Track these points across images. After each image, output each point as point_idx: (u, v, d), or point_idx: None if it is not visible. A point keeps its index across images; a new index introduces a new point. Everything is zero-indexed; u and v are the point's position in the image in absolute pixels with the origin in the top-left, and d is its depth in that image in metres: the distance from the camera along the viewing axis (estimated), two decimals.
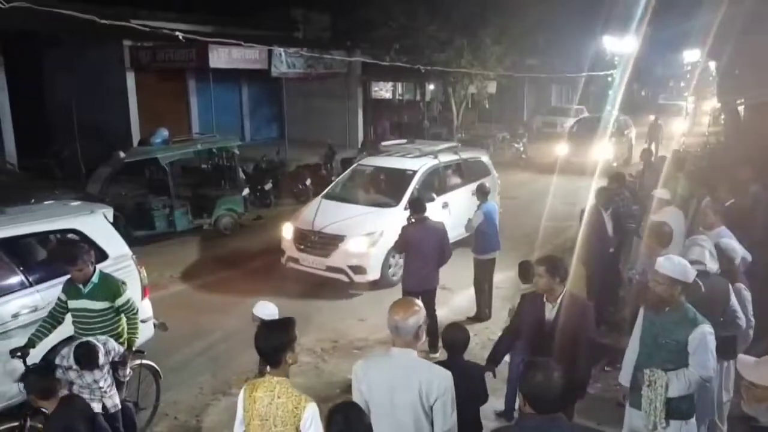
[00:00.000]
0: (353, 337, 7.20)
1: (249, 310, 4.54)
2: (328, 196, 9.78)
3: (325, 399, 5.07)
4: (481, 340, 6.84)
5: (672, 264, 3.70)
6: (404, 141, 12.38)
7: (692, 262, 4.12)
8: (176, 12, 17.88)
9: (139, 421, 5.07)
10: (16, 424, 4.33)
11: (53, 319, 4.80)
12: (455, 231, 8.09)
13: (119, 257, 5.87)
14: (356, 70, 20.92)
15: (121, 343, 4.73)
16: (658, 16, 19.71)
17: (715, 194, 6.78)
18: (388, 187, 9.78)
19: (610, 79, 22.96)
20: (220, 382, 6.16)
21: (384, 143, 12.79)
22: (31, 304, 5.25)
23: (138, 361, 5.11)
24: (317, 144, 17.65)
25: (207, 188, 12.20)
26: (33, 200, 7.29)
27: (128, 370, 4.80)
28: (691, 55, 34.90)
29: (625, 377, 4.05)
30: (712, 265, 4.35)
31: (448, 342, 3.91)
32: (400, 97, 25.85)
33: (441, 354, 5.22)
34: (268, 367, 3.11)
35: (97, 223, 5.91)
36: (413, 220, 6.73)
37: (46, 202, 6.86)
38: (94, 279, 4.72)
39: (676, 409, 3.70)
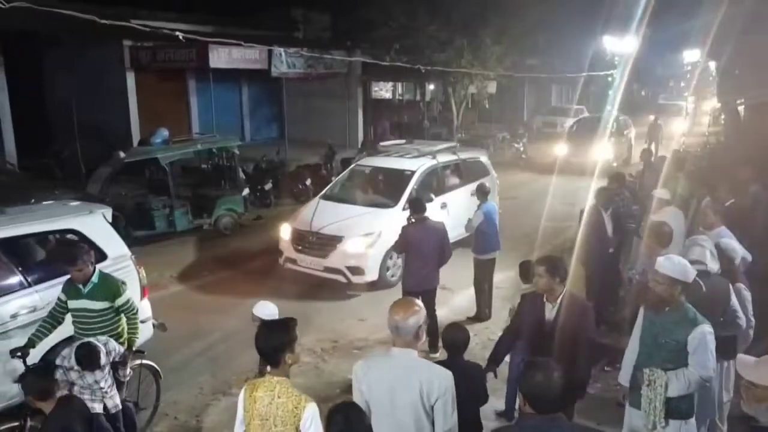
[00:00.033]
0: (353, 337, 7.20)
1: (249, 311, 4.54)
2: (326, 197, 9.76)
3: (325, 399, 5.07)
4: (481, 340, 6.84)
5: (672, 264, 3.70)
6: (403, 141, 12.37)
7: (693, 262, 4.12)
8: (176, 12, 17.88)
9: (139, 421, 5.07)
10: (16, 424, 4.33)
11: (53, 319, 4.80)
12: (454, 231, 8.08)
13: (118, 257, 5.86)
14: (356, 70, 20.93)
15: (121, 343, 4.74)
16: (658, 16, 19.74)
17: (715, 194, 6.78)
18: (386, 187, 9.75)
19: (610, 79, 22.99)
20: (220, 382, 6.16)
21: (382, 143, 12.79)
22: (30, 305, 5.25)
23: (138, 361, 5.11)
24: (317, 144, 17.66)
25: (207, 188, 12.20)
26: (33, 200, 7.29)
27: (128, 370, 4.81)
28: (691, 55, 34.92)
29: (624, 377, 4.05)
30: (713, 265, 4.35)
31: (448, 342, 3.91)
32: (400, 97, 25.85)
33: (441, 354, 5.22)
34: (268, 367, 3.11)
35: (96, 224, 5.90)
36: (413, 220, 6.72)
37: (45, 203, 6.85)
38: (94, 279, 4.72)
39: (675, 408, 3.70)
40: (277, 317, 4.20)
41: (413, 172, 9.42)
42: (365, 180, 10.19)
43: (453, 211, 9.35)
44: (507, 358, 4.69)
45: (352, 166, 11.14)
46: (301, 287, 8.56)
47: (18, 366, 4.57)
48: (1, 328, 5.04)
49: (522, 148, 20.94)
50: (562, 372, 2.63)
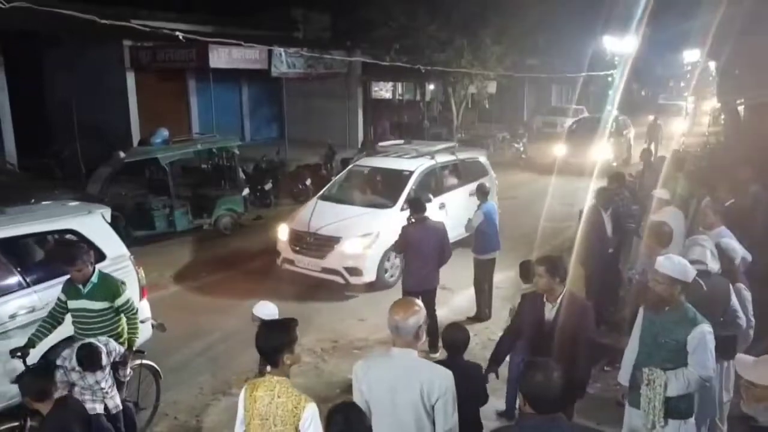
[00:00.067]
0: (353, 337, 7.20)
1: (249, 311, 4.54)
2: (324, 197, 9.72)
3: (325, 399, 5.08)
4: (481, 340, 6.84)
5: (672, 263, 3.70)
6: (401, 141, 12.35)
7: (693, 262, 4.13)
8: (176, 12, 17.88)
9: (139, 421, 5.07)
10: (16, 424, 4.33)
11: (53, 319, 4.80)
12: (453, 232, 8.04)
13: (117, 258, 5.86)
14: (356, 70, 20.93)
15: (121, 343, 4.74)
16: (658, 16, 19.74)
17: (715, 194, 6.78)
18: (384, 187, 9.72)
19: (610, 79, 22.98)
20: (220, 382, 6.16)
21: (381, 143, 12.77)
22: (29, 305, 5.25)
23: (138, 361, 5.11)
24: (317, 144, 17.66)
25: (207, 188, 12.20)
26: (33, 200, 7.29)
27: (128, 370, 4.81)
28: (691, 55, 34.88)
29: (624, 376, 4.05)
30: (714, 265, 4.35)
31: (448, 342, 3.91)
32: (400, 97, 25.86)
33: (441, 354, 5.22)
34: (268, 367, 3.11)
35: (95, 224, 5.90)
36: (413, 220, 6.71)
37: (43, 203, 6.85)
38: (94, 279, 4.72)
39: (674, 408, 3.71)
40: (277, 317, 4.20)
41: (411, 173, 9.40)
42: (363, 180, 10.15)
43: (451, 212, 9.34)
44: (507, 358, 4.69)
45: (349, 166, 11.12)
46: (301, 287, 8.55)
47: (18, 366, 4.57)
48: (0, 328, 5.04)
49: (522, 148, 20.94)
50: (562, 372, 2.63)
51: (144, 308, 5.85)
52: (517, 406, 4.20)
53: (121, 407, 4.55)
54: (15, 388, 4.57)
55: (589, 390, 4.44)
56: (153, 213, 10.79)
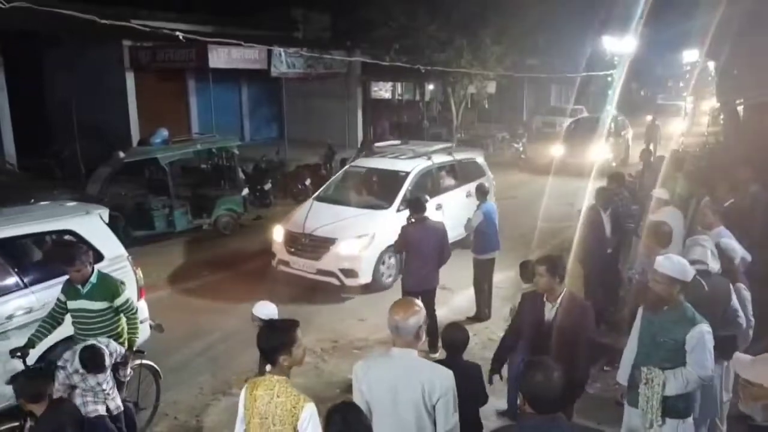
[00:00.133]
0: (353, 337, 7.21)
1: (249, 310, 4.54)
2: (319, 198, 9.66)
3: (325, 399, 5.08)
4: (480, 340, 6.85)
5: (671, 263, 3.71)
6: (398, 142, 12.32)
7: (694, 262, 4.15)
8: (176, 12, 17.90)
9: (139, 421, 5.08)
10: (16, 424, 4.33)
11: (53, 319, 4.80)
12: (450, 232, 7.96)
13: (115, 258, 5.84)
14: (356, 70, 20.94)
15: (121, 343, 4.74)
16: (657, 16, 19.73)
17: (715, 194, 6.78)
18: (380, 188, 9.66)
19: (609, 79, 22.97)
20: (220, 382, 6.16)
21: (377, 144, 12.75)
22: (26, 306, 5.24)
23: (138, 361, 5.11)
24: (317, 144, 17.67)
25: (206, 188, 12.20)
26: (32, 200, 7.29)
27: (129, 371, 4.81)
28: (690, 55, 34.92)
29: (623, 376, 4.06)
30: (714, 265, 4.36)
31: (447, 342, 3.92)
32: (400, 97, 25.87)
33: (440, 354, 5.22)
34: (268, 366, 3.12)
35: (92, 224, 5.87)
36: (413, 220, 6.71)
37: (41, 203, 6.84)
38: (93, 279, 4.72)
39: (672, 407, 3.71)
40: (276, 317, 4.21)
41: (408, 174, 9.34)
42: (359, 181, 10.08)
43: (448, 213, 9.27)
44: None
45: (345, 167, 11.08)
46: (300, 287, 8.55)
47: (17, 366, 4.57)
48: None
49: (521, 148, 20.94)
50: (561, 372, 2.63)
51: (142, 309, 5.84)
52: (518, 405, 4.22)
53: (122, 408, 4.56)
54: None
55: (588, 390, 4.45)
56: (152, 213, 10.80)
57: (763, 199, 6.96)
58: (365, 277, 8.37)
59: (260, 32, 18.77)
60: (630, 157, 18.89)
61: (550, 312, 4.05)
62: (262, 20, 20.63)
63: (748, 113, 13.32)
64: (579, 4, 21.59)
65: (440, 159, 10.20)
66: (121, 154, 10.94)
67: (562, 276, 4.04)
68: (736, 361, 2.90)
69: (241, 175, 12.49)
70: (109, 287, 4.77)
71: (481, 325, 7.38)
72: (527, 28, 19.97)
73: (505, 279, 8.34)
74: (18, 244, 5.69)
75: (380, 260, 8.48)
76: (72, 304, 4.75)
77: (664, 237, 5.22)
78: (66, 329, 4.89)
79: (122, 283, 4.93)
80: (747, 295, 4.54)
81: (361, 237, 8.41)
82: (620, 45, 21.62)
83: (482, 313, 7.60)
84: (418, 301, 3.19)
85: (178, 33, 7.62)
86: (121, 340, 4.78)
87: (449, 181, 10.32)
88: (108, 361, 4.35)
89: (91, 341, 4.48)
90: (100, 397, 4.40)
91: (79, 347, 4.40)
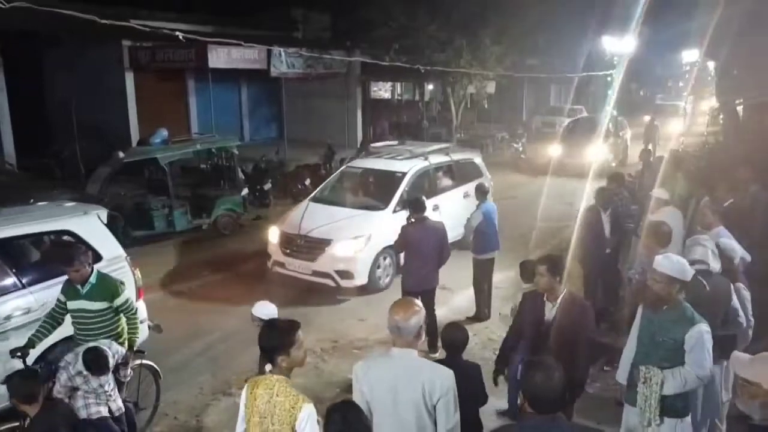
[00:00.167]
0: (353, 337, 7.21)
1: (248, 311, 4.54)
2: (315, 199, 9.60)
3: (325, 399, 5.09)
4: (480, 340, 6.86)
5: (670, 262, 3.72)
6: (395, 142, 12.28)
7: (695, 262, 4.16)
8: (176, 12, 17.91)
9: (139, 421, 5.08)
10: (16, 424, 4.33)
11: (53, 319, 4.81)
12: (448, 233, 8.02)
13: (113, 259, 5.83)
14: (355, 70, 20.94)
15: (121, 344, 4.75)
16: (657, 16, 19.75)
17: (714, 194, 6.79)
18: (377, 189, 9.59)
19: (609, 79, 22.99)
20: (220, 382, 6.17)
21: (374, 144, 12.72)
22: (24, 306, 5.23)
23: (138, 361, 5.12)
24: (316, 144, 17.67)
25: (206, 188, 12.20)
26: (32, 200, 7.28)
27: (129, 371, 4.81)
28: (690, 55, 34.95)
29: (622, 375, 4.07)
30: (715, 265, 4.36)
31: (447, 342, 3.92)
32: (399, 97, 25.88)
33: (440, 354, 5.23)
34: (269, 366, 3.12)
35: (91, 225, 5.86)
36: (413, 220, 6.71)
37: (40, 203, 6.83)
38: (92, 279, 4.72)
39: (671, 406, 3.72)
40: (276, 317, 4.21)
41: (404, 174, 9.29)
42: (356, 182, 10.02)
43: (446, 213, 9.17)
44: None
45: (342, 167, 11.05)
46: (300, 287, 8.54)
47: (17, 366, 4.56)
48: None
49: (521, 149, 20.92)
50: (562, 372, 2.63)
51: (141, 309, 5.83)
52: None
53: (123, 409, 4.56)
54: None
55: (588, 389, 4.45)
56: (152, 213, 10.80)
57: (763, 199, 6.96)
58: (361, 279, 8.32)
59: (260, 32, 18.78)
60: (629, 157, 18.88)
61: (550, 312, 4.06)
62: (262, 20, 20.64)
63: (747, 113, 13.32)
64: (579, 4, 21.61)
65: (437, 159, 10.15)
66: (121, 154, 10.94)
67: (563, 276, 4.04)
68: (734, 359, 2.91)
69: (241, 175, 12.49)
70: (108, 287, 4.77)
71: (481, 325, 7.38)
72: (527, 28, 19.98)
73: (504, 279, 8.35)
74: (16, 244, 5.68)
75: (376, 261, 8.44)
76: (72, 305, 4.75)
77: (663, 237, 5.22)
78: (65, 329, 4.90)
79: (122, 283, 4.94)
80: (747, 294, 4.54)
81: (356, 238, 8.36)
82: (620, 45, 21.63)
83: (482, 313, 7.61)
84: (418, 301, 3.20)
85: (178, 33, 7.63)
86: (121, 341, 4.78)
87: (446, 181, 10.29)
88: (111, 363, 4.36)
89: (93, 343, 4.48)
90: (103, 399, 4.41)
91: (81, 349, 4.40)
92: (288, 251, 8.61)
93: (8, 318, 5.12)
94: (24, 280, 5.35)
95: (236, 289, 8.56)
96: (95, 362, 4.26)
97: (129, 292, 5.06)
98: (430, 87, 25.10)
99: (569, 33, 22.31)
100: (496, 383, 4.30)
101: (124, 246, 6.17)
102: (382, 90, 25.09)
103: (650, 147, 17.22)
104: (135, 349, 4.90)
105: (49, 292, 5.14)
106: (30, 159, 14.95)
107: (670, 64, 42.31)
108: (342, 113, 22.01)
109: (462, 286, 8.15)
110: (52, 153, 15.24)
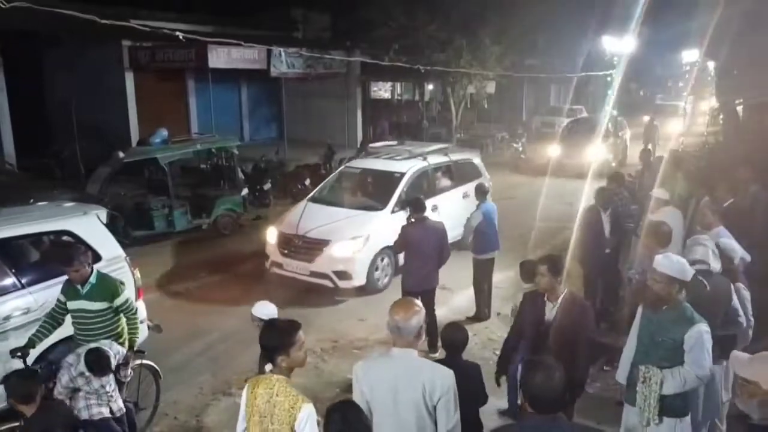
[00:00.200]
0: (353, 337, 7.21)
1: (248, 311, 4.54)
2: (313, 199, 9.57)
3: (325, 399, 5.09)
4: (480, 340, 6.86)
5: (670, 262, 3.72)
6: (394, 142, 12.26)
7: (696, 262, 4.15)
8: (176, 12, 17.92)
9: (139, 421, 5.08)
10: (16, 424, 4.33)
11: (53, 319, 4.80)
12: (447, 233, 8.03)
13: (113, 259, 5.82)
14: (355, 70, 20.96)
15: (121, 344, 4.75)
16: (656, 16, 19.76)
17: (714, 194, 6.78)
18: (375, 190, 9.56)
19: (609, 79, 23.00)
20: (220, 382, 6.16)
21: (372, 144, 12.70)
22: (24, 306, 5.22)
23: (138, 361, 5.11)
24: (316, 144, 17.68)
25: (206, 188, 12.20)
26: (32, 200, 7.28)
27: (129, 371, 4.81)
28: (690, 55, 34.94)
29: (622, 375, 4.07)
30: (716, 265, 4.36)
31: (447, 341, 3.92)
32: (399, 97, 25.89)
33: (440, 353, 5.23)
34: (269, 366, 3.13)
35: (90, 225, 5.85)
36: (413, 220, 6.71)
37: (39, 203, 6.83)
38: (92, 279, 4.72)
39: (670, 406, 3.72)
40: (276, 317, 4.21)
41: (403, 175, 9.26)
42: (354, 182, 9.99)
43: (444, 214, 9.12)
44: None
45: (340, 168, 11.03)
46: (300, 287, 8.53)
47: (17, 366, 4.56)
48: None
49: (521, 149, 20.92)
50: (562, 371, 2.63)
51: (140, 309, 5.83)
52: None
53: (124, 409, 4.56)
54: None
55: (588, 389, 4.45)
56: (152, 213, 10.79)
57: (763, 199, 6.96)
58: (359, 279, 8.30)
59: (260, 32, 18.78)
60: (628, 157, 18.88)
61: (550, 312, 4.06)
62: (262, 20, 20.64)
63: (747, 113, 13.33)
64: (578, 4, 21.64)
65: (436, 160, 10.13)
66: (121, 154, 10.93)
67: (563, 276, 4.05)
68: (733, 359, 2.91)
69: (241, 175, 12.48)
70: (108, 287, 4.77)
71: (481, 325, 7.39)
72: (526, 28, 20.01)
73: (504, 279, 8.35)
74: (15, 244, 5.67)
75: (374, 262, 8.41)
76: (72, 305, 4.75)
77: (663, 237, 5.22)
78: (65, 329, 4.90)
79: (122, 283, 4.94)
80: (746, 294, 4.54)
81: (355, 239, 8.33)
82: (619, 45, 21.67)
83: (482, 312, 7.61)
84: (418, 301, 3.20)
85: (177, 33, 7.64)
86: (121, 341, 4.78)
87: (445, 182, 10.27)
88: (113, 364, 4.36)
89: (93, 344, 4.48)
90: (104, 399, 4.41)
91: (82, 350, 4.40)
92: (286, 252, 8.58)
93: (8, 318, 5.11)
94: (23, 281, 5.34)
95: (236, 288, 8.56)
96: (97, 363, 4.26)
97: (129, 292, 5.05)
98: (430, 87, 25.10)
99: (569, 33, 22.33)
100: (498, 384, 4.30)
101: (124, 246, 6.16)
102: (382, 90, 25.10)
103: (650, 147, 17.21)
104: (135, 349, 4.90)
105: (49, 292, 5.14)
106: (30, 159, 14.95)
107: (670, 64, 42.30)
108: (342, 113, 22.02)
109: (462, 286, 8.15)
110: (52, 153, 15.24)
